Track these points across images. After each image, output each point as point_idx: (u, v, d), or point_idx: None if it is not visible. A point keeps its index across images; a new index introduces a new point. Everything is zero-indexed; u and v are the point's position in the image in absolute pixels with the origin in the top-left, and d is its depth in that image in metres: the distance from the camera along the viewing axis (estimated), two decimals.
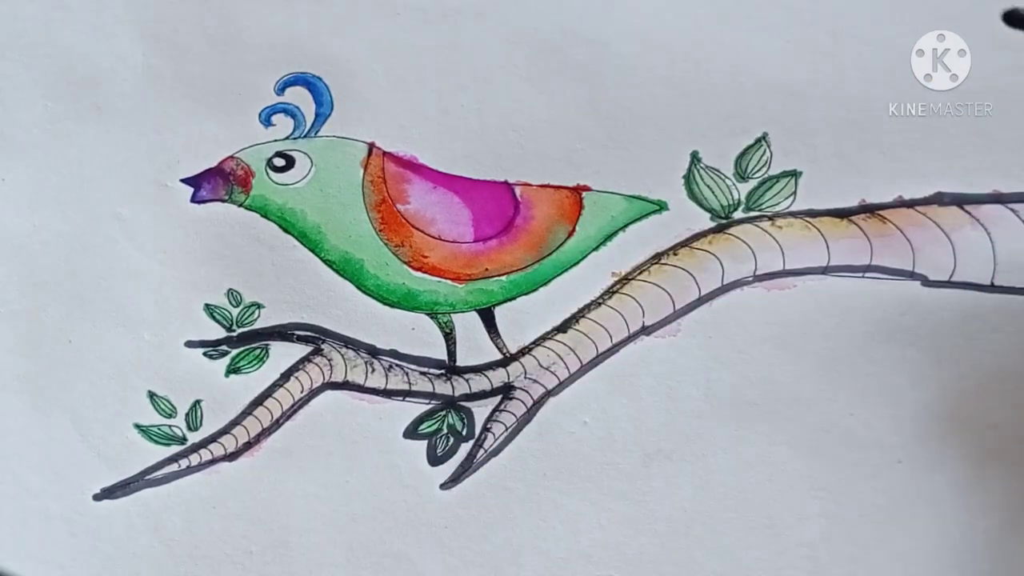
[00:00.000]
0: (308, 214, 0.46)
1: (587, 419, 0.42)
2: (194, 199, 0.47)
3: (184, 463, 0.42)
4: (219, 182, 0.47)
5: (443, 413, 0.43)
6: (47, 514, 0.41)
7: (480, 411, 0.43)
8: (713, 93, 0.48)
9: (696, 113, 0.47)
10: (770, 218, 0.46)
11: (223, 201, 0.47)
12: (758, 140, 0.47)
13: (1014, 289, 0.44)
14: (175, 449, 0.42)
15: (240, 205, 0.46)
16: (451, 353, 0.44)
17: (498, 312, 0.45)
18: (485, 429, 0.43)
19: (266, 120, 0.48)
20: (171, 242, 0.46)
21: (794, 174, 0.46)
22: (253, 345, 0.44)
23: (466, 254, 0.46)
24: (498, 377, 0.44)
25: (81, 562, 0.40)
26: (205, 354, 0.44)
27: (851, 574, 0.40)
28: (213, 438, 0.42)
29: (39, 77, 0.49)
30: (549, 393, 0.43)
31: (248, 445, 0.42)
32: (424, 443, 0.42)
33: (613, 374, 0.43)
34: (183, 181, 0.47)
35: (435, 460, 0.42)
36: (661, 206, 0.46)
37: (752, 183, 0.46)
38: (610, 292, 0.45)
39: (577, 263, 0.46)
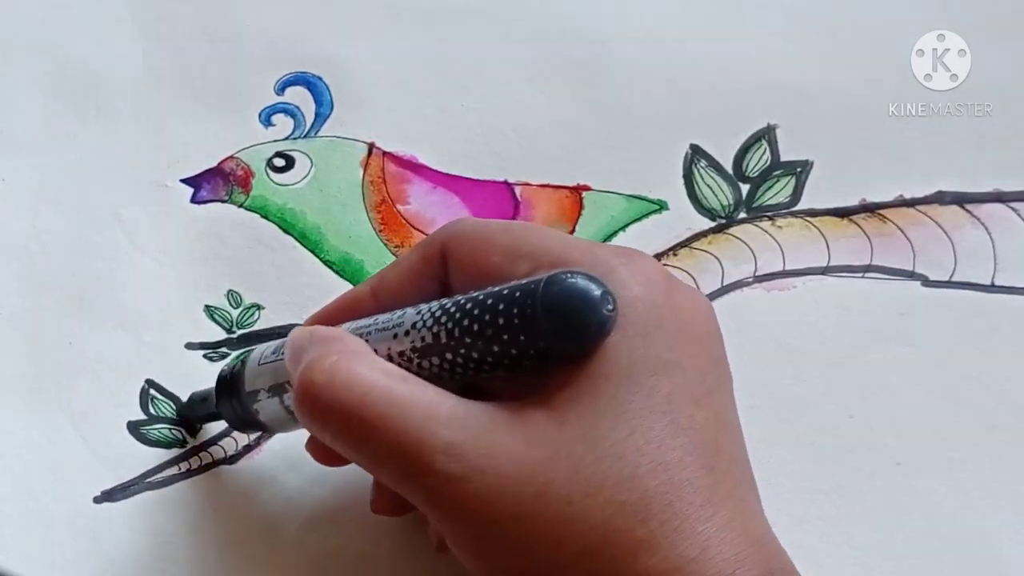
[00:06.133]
0: (308, 215, 0.46)
1: None
2: (194, 199, 0.47)
3: (184, 466, 0.42)
4: (219, 182, 0.47)
5: None
6: (47, 516, 0.41)
7: None
8: (713, 93, 0.48)
9: (696, 113, 0.47)
10: (770, 218, 0.46)
11: (223, 202, 0.47)
12: (758, 140, 0.47)
13: (1014, 289, 0.43)
14: (175, 452, 0.42)
15: (240, 206, 0.46)
16: None
17: None
18: None
19: (266, 120, 0.48)
20: (171, 243, 0.46)
21: (795, 174, 0.46)
22: (253, 347, 0.44)
23: None
24: None
25: (81, 564, 0.40)
26: (205, 356, 0.44)
27: None
28: (213, 441, 0.42)
29: (39, 77, 0.49)
30: None
31: (248, 448, 0.42)
32: None
33: None
34: (183, 181, 0.47)
35: None
36: (661, 206, 0.46)
37: (752, 183, 0.46)
38: None
39: None
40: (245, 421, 0.38)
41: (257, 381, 0.37)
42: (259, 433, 0.42)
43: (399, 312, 0.33)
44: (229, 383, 0.38)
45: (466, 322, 0.31)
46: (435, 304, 0.32)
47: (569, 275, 0.30)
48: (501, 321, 0.30)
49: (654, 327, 0.31)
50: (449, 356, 0.31)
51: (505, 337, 0.30)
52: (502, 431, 0.30)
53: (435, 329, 0.32)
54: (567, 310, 0.29)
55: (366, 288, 0.37)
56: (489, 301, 0.31)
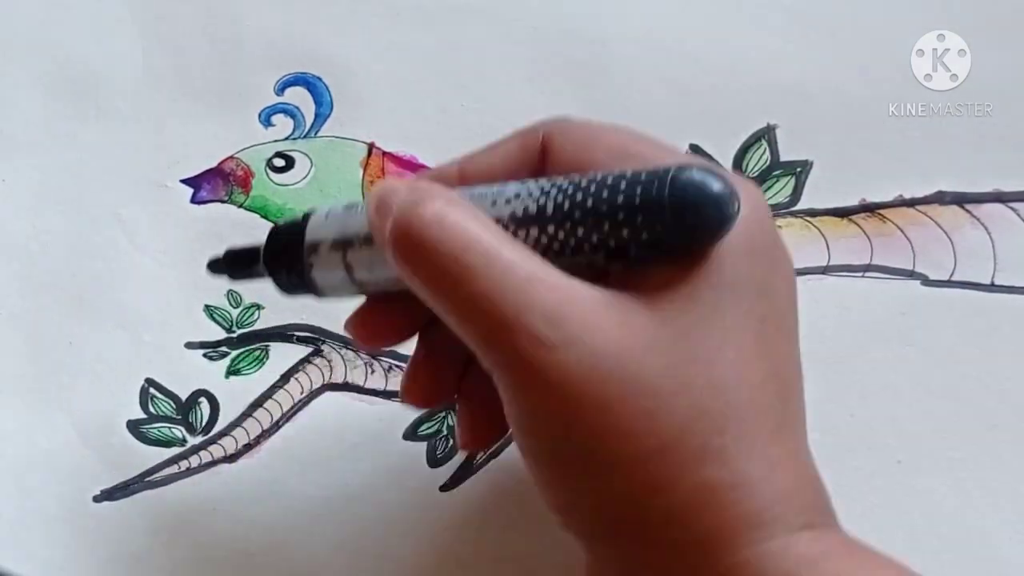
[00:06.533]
0: None
1: None
2: (194, 199, 0.47)
3: (184, 465, 0.42)
4: (219, 182, 0.47)
5: (443, 415, 0.43)
6: (47, 515, 0.41)
7: None
8: (713, 93, 0.48)
9: (696, 113, 0.47)
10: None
11: (223, 202, 0.47)
12: (758, 140, 0.47)
13: (1014, 289, 0.44)
14: (175, 451, 0.42)
15: (240, 206, 0.46)
16: None
17: None
18: None
19: (266, 120, 0.48)
20: (171, 243, 0.46)
21: (794, 173, 0.46)
22: (253, 346, 0.44)
23: None
24: None
25: (80, 563, 0.40)
26: (205, 355, 0.44)
27: None
28: (213, 440, 0.42)
29: (39, 77, 0.49)
30: None
31: (248, 447, 0.42)
32: (424, 445, 0.42)
33: None
34: (183, 181, 0.47)
35: (435, 462, 0.42)
36: None
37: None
38: None
39: None
40: (290, 274, 0.34)
41: (320, 232, 0.33)
42: (305, 294, 0.35)
43: (498, 184, 0.31)
44: (286, 229, 0.35)
45: (579, 196, 0.29)
46: (543, 179, 0.30)
47: (699, 169, 0.28)
48: (620, 200, 0.28)
49: (760, 250, 0.30)
50: (551, 229, 0.29)
51: (620, 216, 0.28)
52: (604, 312, 0.29)
53: (541, 200, 0.30)
54: (695, 198, 0.28)
55: (453, 167, 0.34)
56: (609, 180, 0.29)
